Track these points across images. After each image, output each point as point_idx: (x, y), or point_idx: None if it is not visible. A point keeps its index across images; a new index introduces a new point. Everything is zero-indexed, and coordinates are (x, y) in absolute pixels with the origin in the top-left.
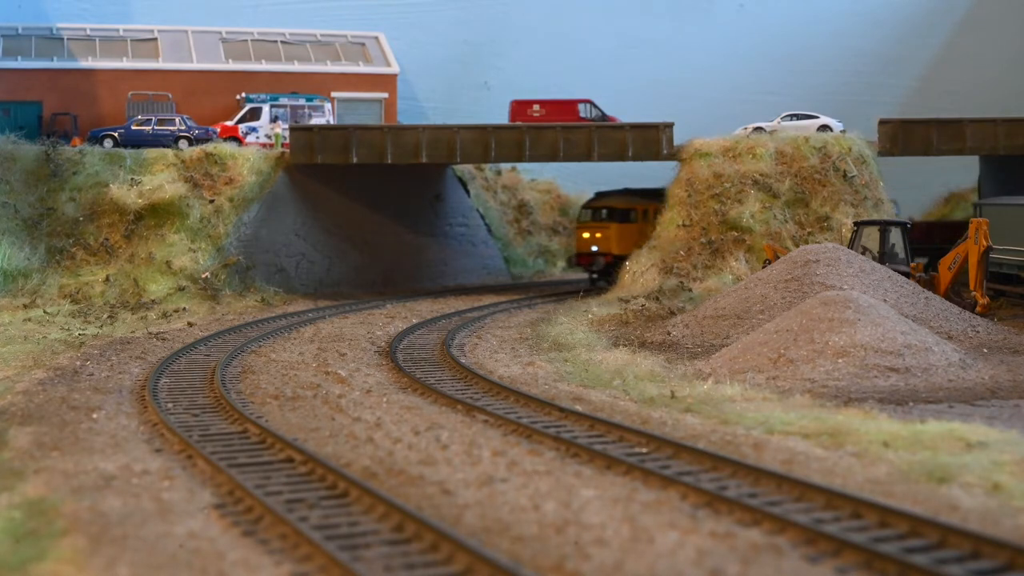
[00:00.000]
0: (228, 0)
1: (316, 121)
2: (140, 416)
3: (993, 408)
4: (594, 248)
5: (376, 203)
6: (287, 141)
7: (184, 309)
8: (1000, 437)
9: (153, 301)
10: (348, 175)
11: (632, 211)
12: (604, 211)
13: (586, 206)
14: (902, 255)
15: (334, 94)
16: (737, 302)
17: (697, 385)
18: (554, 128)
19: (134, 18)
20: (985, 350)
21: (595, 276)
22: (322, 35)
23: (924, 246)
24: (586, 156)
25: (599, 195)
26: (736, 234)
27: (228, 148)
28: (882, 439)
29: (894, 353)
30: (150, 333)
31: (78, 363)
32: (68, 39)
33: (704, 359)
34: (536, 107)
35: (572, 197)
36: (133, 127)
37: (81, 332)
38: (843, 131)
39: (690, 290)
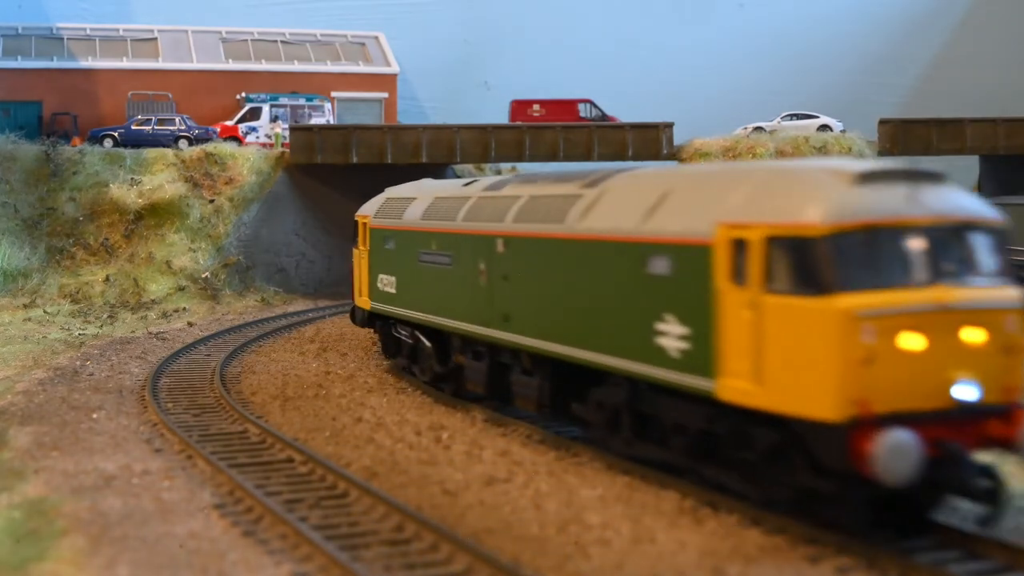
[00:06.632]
0: (228, 0)
1: (316, 121)
2: (140, 416)
3: None
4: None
5: None
6: (287, 141)
7: (184, 309)
8: None
9: (153, 301)
10: (348, 175)
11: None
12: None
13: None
14: None
15: (334, 94)
16: None
17: None
18: (554, 128)
19: (134, 18)
20: None
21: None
22: (322, 35)
23: None
24: (586, 156)
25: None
26: None
27: (228, 148)
28: None
29: None
30: (150, 333)
31: (78, 363)
32: (68, 39)
33: None
34: (536, 107)
35: None
36: (133, 127)
37: (81, 332)
38: (843, 131)
39: None
